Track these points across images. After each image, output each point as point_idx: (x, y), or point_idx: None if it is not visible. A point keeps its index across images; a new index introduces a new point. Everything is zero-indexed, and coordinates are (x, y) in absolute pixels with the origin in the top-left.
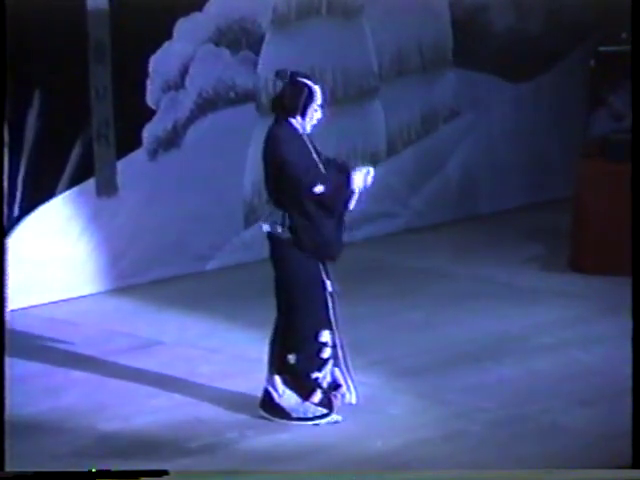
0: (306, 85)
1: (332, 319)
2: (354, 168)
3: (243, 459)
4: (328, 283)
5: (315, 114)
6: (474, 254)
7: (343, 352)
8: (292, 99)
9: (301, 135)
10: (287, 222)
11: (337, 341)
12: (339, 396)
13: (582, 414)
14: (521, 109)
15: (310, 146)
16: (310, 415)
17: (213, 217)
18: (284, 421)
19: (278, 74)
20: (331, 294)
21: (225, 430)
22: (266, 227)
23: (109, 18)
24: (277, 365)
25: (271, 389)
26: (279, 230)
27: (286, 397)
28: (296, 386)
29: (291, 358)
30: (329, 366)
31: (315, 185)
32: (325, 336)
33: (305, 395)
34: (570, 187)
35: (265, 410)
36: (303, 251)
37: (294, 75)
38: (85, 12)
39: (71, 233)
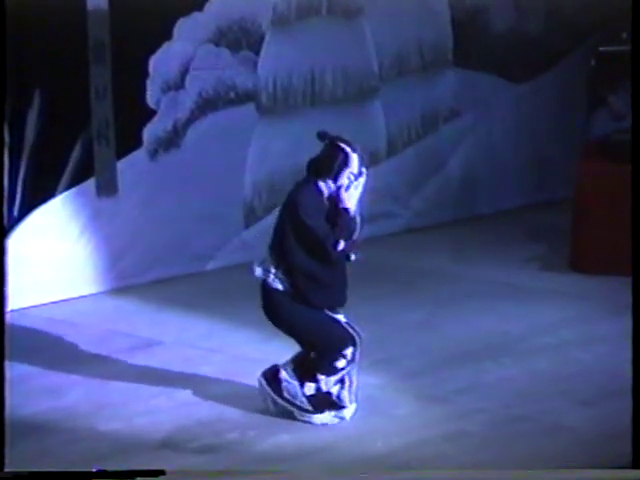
0: (343, 150)
1: (355, 335)
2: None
3: (243, 459)
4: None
5: (350, 186)
6: (474, 254)
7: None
8: (326, 162)
9: (324, 197)
10: (281, 275)
11: (356, 357)
12: (333, 413)
13: (582, 414)
14: (521, 109)
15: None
16: (298, 403)
17: (213, 217)
18: (279, 400)
19: (319, 135)
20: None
21: (225, 430)
22: (258, 272)
23: (109, 18)
24: (298, 359)
25: (283, 372)
26: (270, 278)
27: (292, 384)
28: (302, 377)
29: (312, 354)
30: (337, 377)
31: (338, 244)
32: (348, 351)
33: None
34: (570, 187)
35: (268, 383)
36: (317, 305)
37: (334, 139)
38: (85, 12)
39: (71, 233)
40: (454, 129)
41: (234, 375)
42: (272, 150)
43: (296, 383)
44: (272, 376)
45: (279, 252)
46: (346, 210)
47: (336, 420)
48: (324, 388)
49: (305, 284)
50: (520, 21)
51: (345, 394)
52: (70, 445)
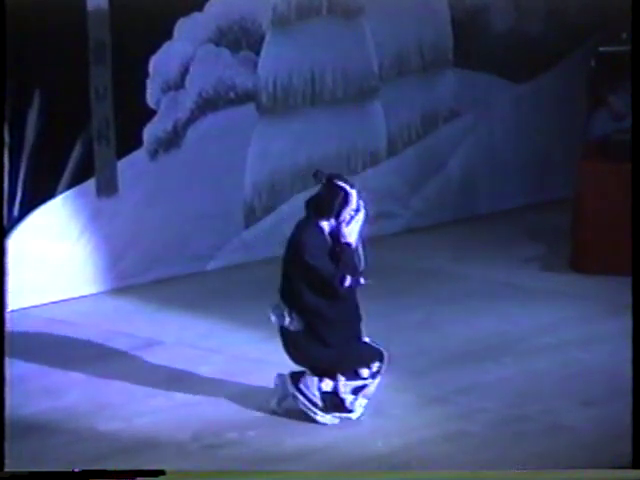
0: (342, 189)
1: (382, 350)
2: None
3: (243, 459)
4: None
5: (351, 221)
6: (474, 254)
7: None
8: (327, 202)
9: (325, 235)
10: (295, 317)
11: (381, 371)
12: (337, 414)
13: (582, 414)
14: (521, 109)
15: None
16: (309, 395)
17: (213, 217)
18: (291, 389)
19: (315, 175)
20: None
21: (225, 430)
22: (273, 318)
23: (109, 18)
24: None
25: (308, 372)
26: (286, 322)
27: (311, 378)
28: (323, 375)
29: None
30: (356, 384)
31: (344, 280)
32: (375, 365)
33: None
34: (570, 187)
35: (291, 376)
36: (328, 345)
37: (331, 178)
38: (85, 12)
39: (71, 233)
40: (454, 129)
41: (234, 375)
42: (272, 150)
43: (315, 378)
44: (297, 373)
45: (289, 296)
46: (348, 245)
47: (336, 420)
48: (341, 390)
49: (318, 324)
50: (520, 21)
51: (356, 405)
52: (70, 445)
